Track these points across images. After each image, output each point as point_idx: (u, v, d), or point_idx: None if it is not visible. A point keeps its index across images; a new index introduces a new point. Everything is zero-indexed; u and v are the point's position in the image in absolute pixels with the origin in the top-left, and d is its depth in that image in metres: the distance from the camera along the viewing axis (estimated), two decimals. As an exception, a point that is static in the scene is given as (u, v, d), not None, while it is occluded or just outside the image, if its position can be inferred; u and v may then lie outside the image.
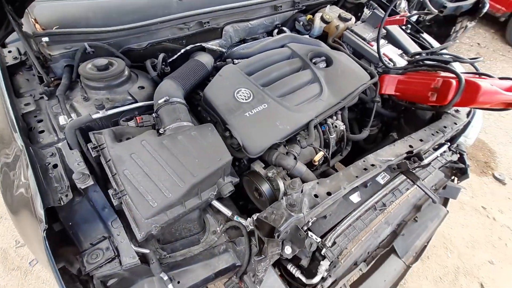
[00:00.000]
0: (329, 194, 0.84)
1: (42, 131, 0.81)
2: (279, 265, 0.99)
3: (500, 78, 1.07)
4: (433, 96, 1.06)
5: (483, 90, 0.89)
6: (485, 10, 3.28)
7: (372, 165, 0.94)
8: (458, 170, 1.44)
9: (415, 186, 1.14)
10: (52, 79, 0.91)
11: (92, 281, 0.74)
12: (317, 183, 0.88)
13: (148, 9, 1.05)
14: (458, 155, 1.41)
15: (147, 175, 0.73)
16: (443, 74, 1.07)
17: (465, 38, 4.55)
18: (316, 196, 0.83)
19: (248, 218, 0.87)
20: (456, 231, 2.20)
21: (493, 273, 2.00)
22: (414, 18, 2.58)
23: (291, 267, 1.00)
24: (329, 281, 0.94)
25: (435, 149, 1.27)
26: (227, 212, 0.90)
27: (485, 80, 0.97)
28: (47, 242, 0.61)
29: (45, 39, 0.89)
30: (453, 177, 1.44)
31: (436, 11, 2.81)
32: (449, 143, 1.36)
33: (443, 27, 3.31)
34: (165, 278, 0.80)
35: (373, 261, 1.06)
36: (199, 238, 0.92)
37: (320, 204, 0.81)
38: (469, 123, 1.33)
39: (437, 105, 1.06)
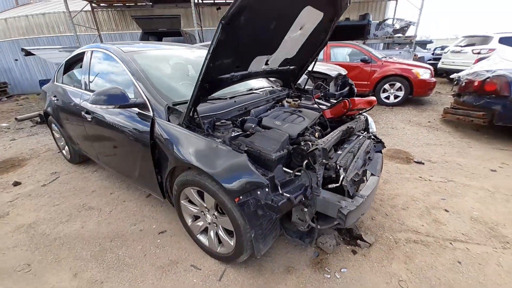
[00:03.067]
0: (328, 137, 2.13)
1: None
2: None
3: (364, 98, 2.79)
4: (344, 109, 2.65)
5: (356, 100, 2.53)
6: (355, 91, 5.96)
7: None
8: (378, 142, 2.92)
9: (365, 142, 2.51)
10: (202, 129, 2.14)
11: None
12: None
13: (227, 105, 2.53)
14: (374, 136, 2.94)
15: (265, 141, 1.92)
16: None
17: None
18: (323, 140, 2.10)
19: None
20: (412, 191, 3.25)
21: (448, 204, 2.96)
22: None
23: (328, 186, 2.07)
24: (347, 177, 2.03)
25: (361, 133, 2.77)
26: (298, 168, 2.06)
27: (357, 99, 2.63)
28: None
29: (199, 116, 2.21)
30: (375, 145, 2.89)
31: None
32: (365, 131, 2.91)
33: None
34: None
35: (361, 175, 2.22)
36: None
37: (328, 139, 2.07)
38: (367, 121, 2.96)
39: (346, 110, 2.62)
